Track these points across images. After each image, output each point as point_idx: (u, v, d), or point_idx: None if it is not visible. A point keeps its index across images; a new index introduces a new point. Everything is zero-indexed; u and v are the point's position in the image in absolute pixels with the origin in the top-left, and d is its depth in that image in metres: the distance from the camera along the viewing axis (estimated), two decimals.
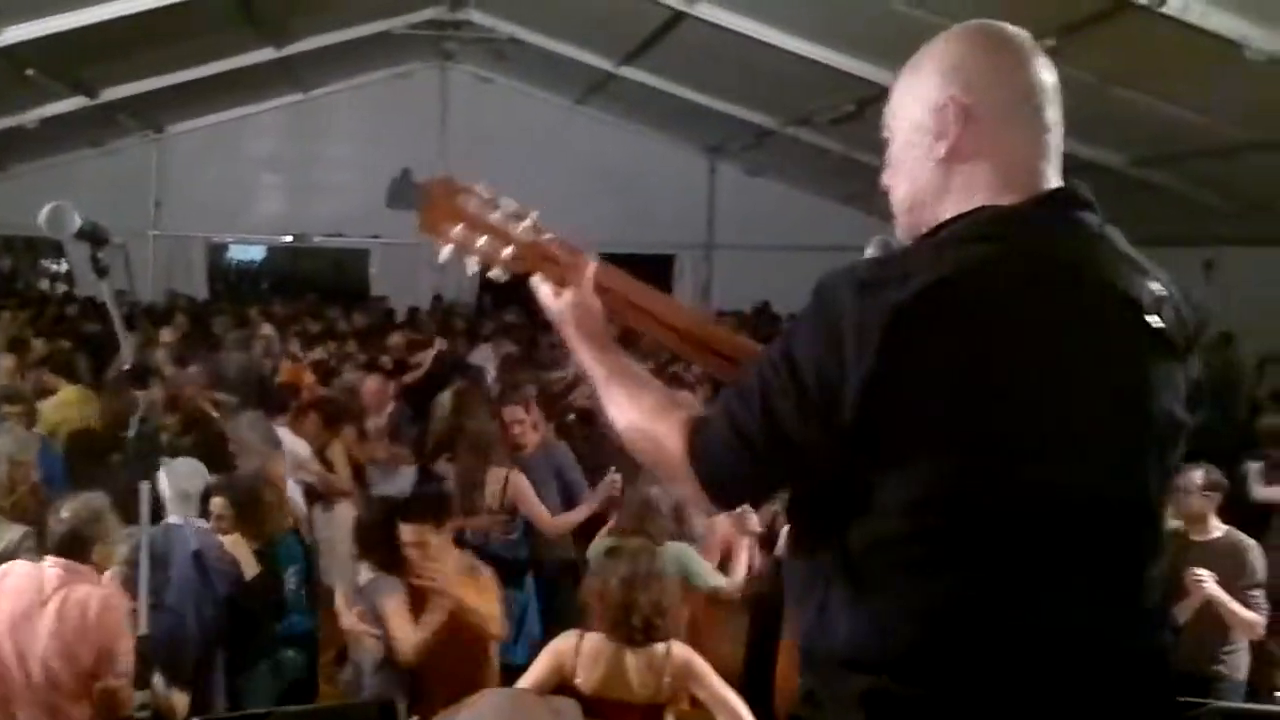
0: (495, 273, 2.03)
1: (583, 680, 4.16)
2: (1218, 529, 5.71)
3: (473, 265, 2.04)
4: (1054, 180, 1.81)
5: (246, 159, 18.04)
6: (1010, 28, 1.87)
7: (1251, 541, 5.68)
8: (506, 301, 16.85)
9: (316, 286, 19.63)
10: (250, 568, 5.09)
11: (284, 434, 6.87)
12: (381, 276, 18.39)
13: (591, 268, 2.05)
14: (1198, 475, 5.78)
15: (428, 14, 14.61)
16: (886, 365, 1.59)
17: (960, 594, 1.64)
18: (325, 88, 17.51)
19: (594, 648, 4.20)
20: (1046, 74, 1.84)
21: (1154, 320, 1.74)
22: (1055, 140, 1.82)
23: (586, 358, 2.01)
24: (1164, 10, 7.24)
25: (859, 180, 14.79)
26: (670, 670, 4.14)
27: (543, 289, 2.06)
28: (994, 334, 1.62)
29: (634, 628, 4.15)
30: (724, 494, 1.83)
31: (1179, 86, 9.05)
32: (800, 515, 1.83)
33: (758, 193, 17.81)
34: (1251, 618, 5.46)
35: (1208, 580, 5.38)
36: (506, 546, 6.47)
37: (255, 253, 24.12)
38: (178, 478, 5.22)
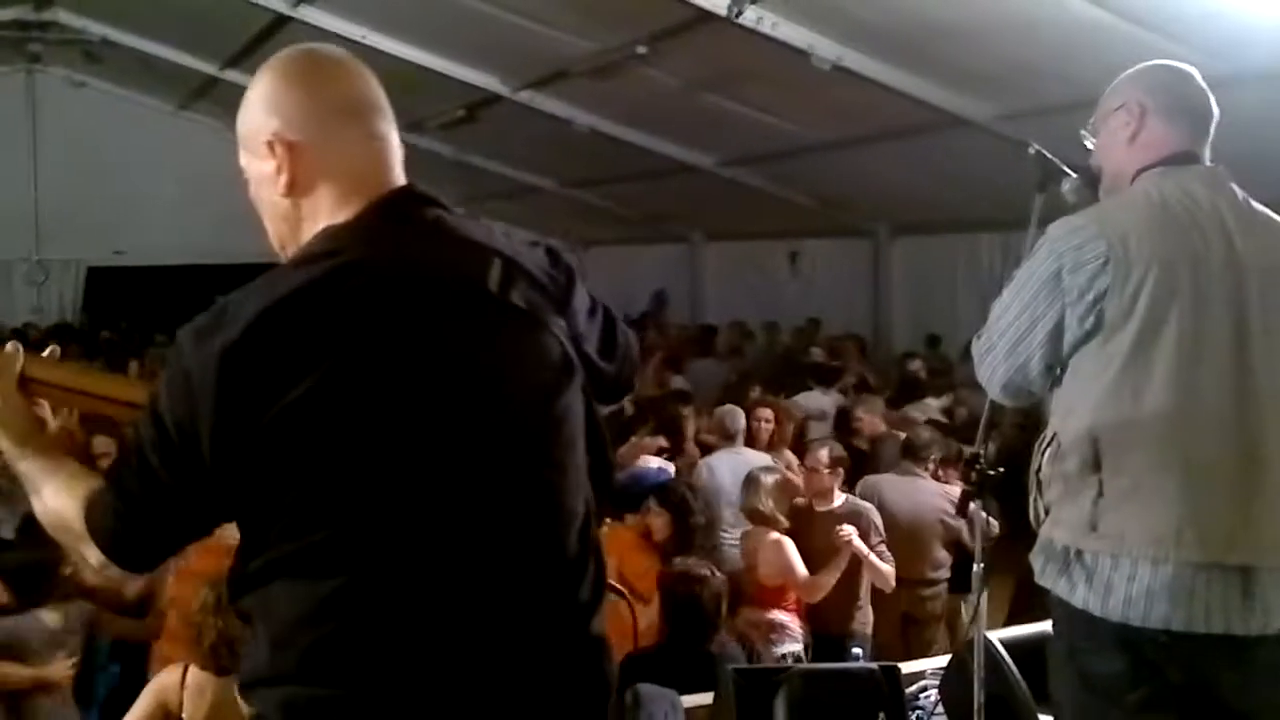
0: None
1: (189, 714, 4.04)
2: (839, 498, 6.19)
3: None
4: (398, 184, 1.88)
5: None
6: (323, 49, 1.93)
7: (869, 504, 6.20)
8: (110, 320, 16.10)
9: None
10: None
11: None
12: None
13: (16, 362, 2.04)
14: (823, 454, 6.23)
15: (10, 14, 13.69)
16: (228, 407, 1.64)
17: (342, 596, 1.68)
18: None
19: (198, 680, 4.07)
20: (362, 86, 1.89)
21: (499, 297, 1.81)
22: (390, 148, 1.89)
23: (8, 451, 2.01)
24: (740, 21, 7.73)
25: (471, 184, 15.08)
26: None
27: None
28: (327, 346, 1.66)
29: (222, 655, 4.01)
30: (123, 553, 1.83)
31: (758, 92, 9.70)
32: (230, 569, 1.84)
33: None
34: (887, 570, 5.93)
35: (853, 535, 5.76)
36: None
37: None
38: None
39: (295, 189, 1.85)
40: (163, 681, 4.14)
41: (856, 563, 5.91)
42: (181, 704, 4.05)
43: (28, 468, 1.98)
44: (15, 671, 4.64)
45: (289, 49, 1.93)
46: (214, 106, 16.24)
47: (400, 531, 1.70)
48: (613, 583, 4.83)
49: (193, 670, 4.09)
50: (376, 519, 1.69)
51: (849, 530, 5.80)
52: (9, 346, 2.07)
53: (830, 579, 5.81)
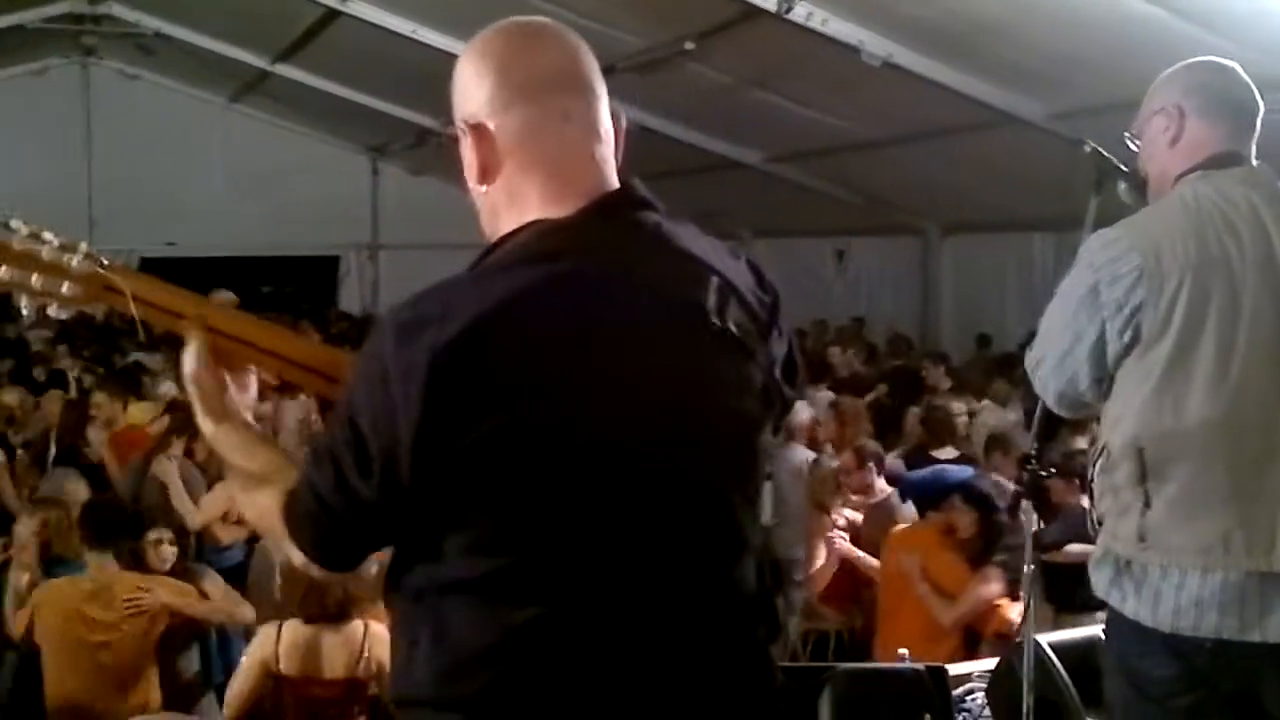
0: (54, 310, 1.96)
1: (285, 668, 4.34)
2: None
3: (28, 305, 1.95)
4: (610, 175, 1.74)
5: None
6: (525, 22, 1.75)
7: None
8: None
9: None
10: None
11: None
12: None
13: (205, 320, 1.93)
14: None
15: (65, 7, 13.85)
16: (433, 412, 1.52)
17: (533, 629, 1.59)
18: None
19: (292, 634, 4.38)
20: (558, 60, 1.73)
21: (716, 320, 1.69)
22: (590, 130, 1.73)
23: (204, 424, 1.92)
24: (789, 17, 7.73)
25: None
26: (368, 647, 4.34)
27: (189, 353, 1.93)
28: (543, 364, 1.56)
29: (325, 608, 4.35)
30: (326, 559, 1.73)
31: (807, 88, 9.68)
32: (391, 564, 1.75)
33: (421, 191, 17.80)
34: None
35: (843, 540, 6.02)
36: (228, 556, 6.46)
37: None
38: None
39: (488, 175, 1.72)
40: (260, 641, 4.48)
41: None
42: (278, 659, 4.36)
43: (225, 445, 1.90)
44: None
45: (493, 27, 1.76)
46: (265, 100, 16.42)
47: (600, 565, 1.61)
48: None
49: (286, 627, 4.41)
50: (578, 550, 1.59)
51: (839, 536, 6.07)
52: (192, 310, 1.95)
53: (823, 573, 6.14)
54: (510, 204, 1.72)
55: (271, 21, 12.27)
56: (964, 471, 6.19)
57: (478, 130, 1.71)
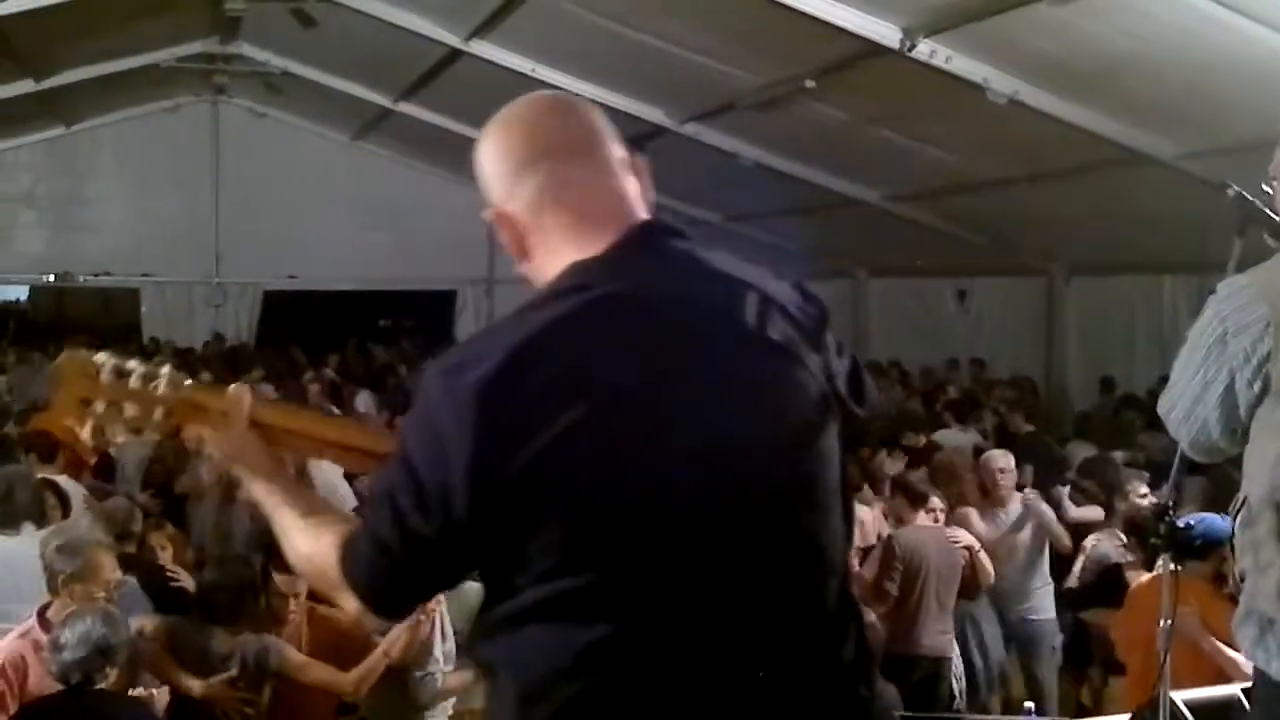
0: (148, 435, 2.04)
1: None
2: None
3: (122, 435, 2.04)
4: (637, 212, 1.81)
5: (5, 196, 17.21)
6: (517, 104, 1.84)
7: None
8: (288, 340, 16.63)
9: (85, 327, 18.91)
10: None
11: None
12: (154, 316, 17.87)
13: (245, 405, 2.01)
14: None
15: (197, 47, 14.28)
16: (482, 447, 1.57)
17: (606, 647, 1.61)
18: (89, 121, 16.84)
19: None
20: (572, 122, 1.83)
21: (757, 331, 1.74)
22: (615, 174, 1.81)
23: (254, 491, 1.99)
24: (913, 55, 7.66)
25: None
26: None
27: (206, 435, 2.04)
28: (584, 384, 1.60)
29: None
30: (383, 604, 1.82)
31: (929, 126, 9.58)
32: (477, 614, 1.80)
33: None
34: None
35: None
36: None
37: (18, 293, 23.24)
38: None
39: (526, 254, 1.82)
40: None
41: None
42: None
43: (275, 508, 1.95)
44: (174, 675, 4.77)
45: (500, 115, 1.86)
46: (387, 138, 16.71)
47: (663, 579, 1.62)
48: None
49: None
50: (638, 565, 1.61)
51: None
52: (233, 389, 2.04)
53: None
54: (552, 268, 1.77)
55: (395, 61, 12.48)
56: (1228, 523, 6.03)
57: (503, 218, 1.81)
